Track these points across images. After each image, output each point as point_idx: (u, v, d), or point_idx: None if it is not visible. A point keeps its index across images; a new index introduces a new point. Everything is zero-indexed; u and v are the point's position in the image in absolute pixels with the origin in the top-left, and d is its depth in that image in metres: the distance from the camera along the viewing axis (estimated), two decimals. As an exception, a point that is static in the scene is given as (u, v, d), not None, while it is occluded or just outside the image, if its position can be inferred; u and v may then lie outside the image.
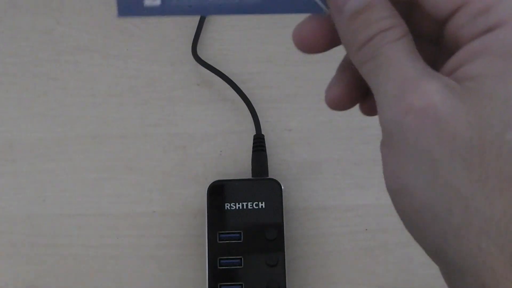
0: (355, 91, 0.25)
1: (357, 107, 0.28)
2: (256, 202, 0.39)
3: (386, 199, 0.43)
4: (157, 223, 0.41)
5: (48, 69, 0.45)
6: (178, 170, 0.42)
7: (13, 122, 0.43)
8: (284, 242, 0.38)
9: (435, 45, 0.24)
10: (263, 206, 0.39)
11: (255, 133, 0.41)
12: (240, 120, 0.43)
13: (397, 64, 0.22)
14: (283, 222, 0.38)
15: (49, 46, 0.45)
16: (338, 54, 0.47)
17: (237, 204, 0.39)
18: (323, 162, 0.42)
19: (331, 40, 0.25)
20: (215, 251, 0.38)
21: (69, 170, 0.42)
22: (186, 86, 0.44)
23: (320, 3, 0.24)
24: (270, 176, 0.40)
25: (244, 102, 0.42)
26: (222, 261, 0.38)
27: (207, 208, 0.39)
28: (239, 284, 0.37)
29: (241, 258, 0.38)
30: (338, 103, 0.26)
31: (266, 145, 0.41)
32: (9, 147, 0.43)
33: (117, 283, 0.40)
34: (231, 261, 0.38)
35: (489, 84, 0.21)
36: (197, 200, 0.41)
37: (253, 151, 0.41)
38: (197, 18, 0.45)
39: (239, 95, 0.42)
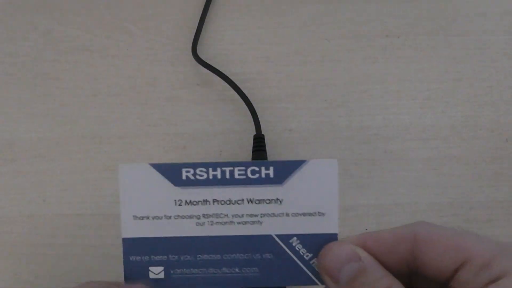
0: None
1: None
2: None
3: (386, 199, 0.43)
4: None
5: (48, 69, 0.45)
6: (178, 170, 0.42)
7: (13, 122, 0.44)
8: None
9: None
10: None
11: (255, 133, 0.41)
12: (240, 120, 0.43)
13: None
14: None
15: (49, 46, 0.45)
16: (336, 55, 0.48)
17: None
18: (323, 162, 0.42)
19: None
20: None
21: (69, 170, 0.42)
22: (186, 86, 0.44)
23: (313, 277, 0.26)
24: None
25: (244, 102, 0.42)
26: None
27: None
28: None
29: None
30: None
31: (266, 145, 0.41)
32: (9, 147, 0.43)
33: (117, 283, 0.40)
34: None
35: None
36: (197, 200, 0.41)
37: (253, 151, 0.41)
38: (197, 18, 0.45)
39: (239, 95, 0.42)
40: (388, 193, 0.41)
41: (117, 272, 0.40)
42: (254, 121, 0.41)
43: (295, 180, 0.25)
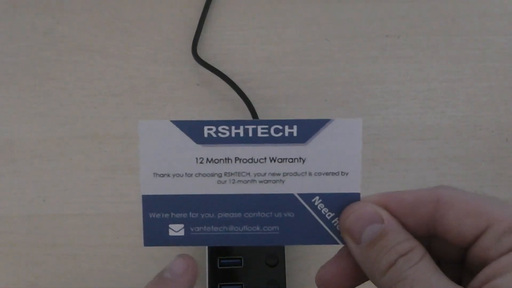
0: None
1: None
2: None
3: (386, 199, 0.43)
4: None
5: (48, 69, 0.45)
6: (178, 170, 0.42)
7: (13, 122, 0.43)
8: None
9: (457, 264, 0.26)
10: None
11: None
12: (240, 120, 0.43)
13: (425, 285, 0.23)
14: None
15: (49, 46, 0.45)
16: (337, 54, 0.48)
17: None
18: (323, 162, 0.42)
19: (354, 279, 0.26)
20: (215, 251, 0.38)
21: (69, 170, 0.42)
22: (186, 86, 0.44)
23: (335, 236, 0.25)
24: None
25: (244, 102, 0.42)
26: (222, 261, 0.38)
27: None
28: (239, 284, 0.37)
29: (241, 258, 0.38)
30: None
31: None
32: (9, 147, 0.43)
33: (117, 283, 0.40)
34: (231, 261, 0.38)
35: None
36: (197, 200, 0.41)
37: None
38: (197, 18, 0.45)
39: (239, 95, 0.42)
40: (388, 193, 0.41)
41: (117, 272, 0.40)
42: None
43: (319, 139, 0.25)
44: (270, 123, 0.24)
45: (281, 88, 0.44)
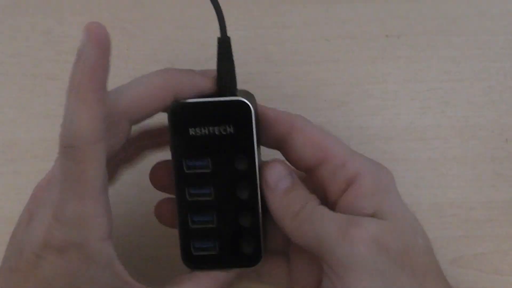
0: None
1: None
2: (224, 127, 0.33)
3: (386, 199, 0.43)
4: (157, 223, 0.41)
5: (48, 69, 0.45)
6: (178, 170, 0.42)
7: (13, 122, 0.43)
8: (256, 172, 0.33)
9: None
10: (231, 131, 0.33)
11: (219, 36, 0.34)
12: (240, 120, 0.43)
13: (330, 215, 0.30)
14: (254, 149, 0.33)
15: (49, 46, 0.45)
16: (336, 55, 0.48)
17: (202, 129, 0.34)
18: (323, 162, 0.42)
19: None
20: (183, 182, 0.34)
21: (69, 170, 0.42)
22: (186, 86, 0.44)
23: None
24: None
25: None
26: (192, 191, 0.34)
27: (171, 134, 0.35)
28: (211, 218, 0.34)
29: (211, 189, 0.34)
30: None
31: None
32: (9, 147, 0.43)
33: (117, 283, 0.40)
34: (200, 191, 0.34)
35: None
36: (197, 200, 0.41)
37: (218, 59, 0.35)
38: (197, 18, 0.45)
39: (239, 95, 0.42)
40: None
41: (117, 272, 0.40)
42: (219, 21, 0.34)
43: None
44: None
45: (281, 88, 0.44)
